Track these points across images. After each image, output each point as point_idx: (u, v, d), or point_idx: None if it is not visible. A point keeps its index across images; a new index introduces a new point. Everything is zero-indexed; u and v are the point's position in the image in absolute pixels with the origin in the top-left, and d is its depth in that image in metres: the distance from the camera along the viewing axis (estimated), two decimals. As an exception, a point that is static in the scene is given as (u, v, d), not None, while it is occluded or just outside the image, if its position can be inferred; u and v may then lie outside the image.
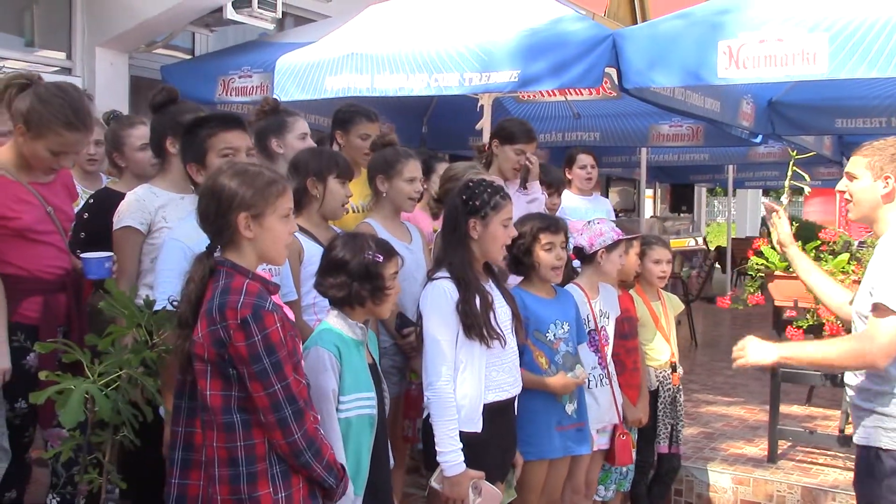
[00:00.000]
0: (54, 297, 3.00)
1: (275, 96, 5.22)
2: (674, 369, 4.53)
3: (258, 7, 7.06)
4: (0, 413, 2.87)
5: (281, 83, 5.90)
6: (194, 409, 2.39)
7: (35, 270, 2.99)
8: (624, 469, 4.27)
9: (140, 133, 3.70)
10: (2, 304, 2.87)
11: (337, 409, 2.74)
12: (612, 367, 4.03)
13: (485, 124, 6.16)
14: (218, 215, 2.37)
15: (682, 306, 4.94)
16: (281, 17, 7.40)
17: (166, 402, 2.63)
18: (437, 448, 3.10)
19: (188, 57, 8.17)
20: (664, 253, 4.57)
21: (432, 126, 9.23)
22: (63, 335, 3.01)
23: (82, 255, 3.11)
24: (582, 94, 7.73)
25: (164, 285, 2.76)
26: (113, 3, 7.10)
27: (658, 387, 4.49)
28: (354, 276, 2.80)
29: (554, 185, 4.96)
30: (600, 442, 4.00)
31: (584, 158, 5.81)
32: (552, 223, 3.71)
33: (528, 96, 8.29)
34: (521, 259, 3.67)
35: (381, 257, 2.84)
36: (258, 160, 3.40)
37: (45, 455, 2.95)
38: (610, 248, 3.93)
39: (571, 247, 3.95)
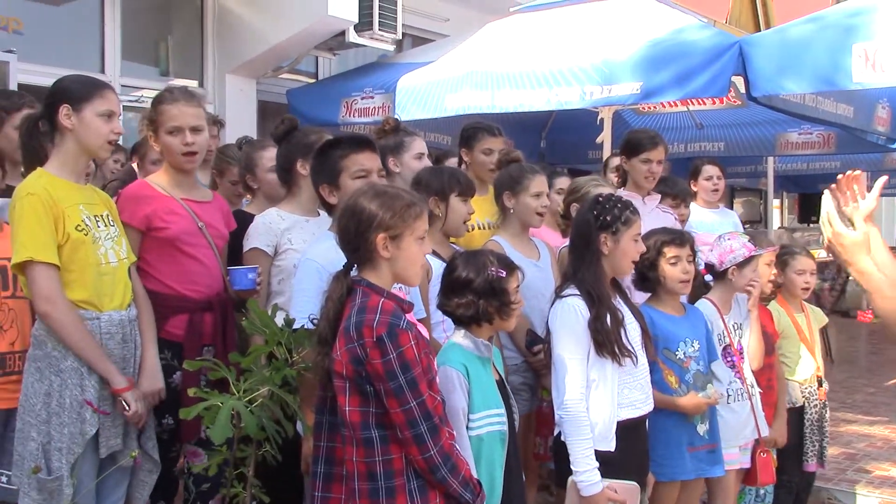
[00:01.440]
0: (200, 315, 3.12)
1: (396, 116, 5.32)
2: (819, 384, 4.35)
3: (379, 30, 7.23)
4: (150, 426, 3.01)
5: (402, 103, 6.02)
6: (335, 424, 2.45)
7: (181, 289, 3.13)
8: (762, 490, 4.11)
9: (271, 154, 3.84)
10: (151, 324, 3.01)
11: (468, 427, 2.75)
12: (751, 379, 3.89)
13: (605, 137, 6.11)
14: (357, 235, 2.42)
15: (825, 319, 4.73)
16: (400, 38, 7.55)
17: (306, 418, 2.70)
18: (572, 467, 3.06)
19: (312, 80, 8.43)
20: (808, 263, 4.40)
21: (551, 140, 9.21)
22: (209, 354, 3.14)
23: (229, 268, 3.26)
24: (705, 103, 7.58)
25: (301, 304, 2.84)
26: (242, 31, 7.40)
27: (804, 402, 4.31)
28: (480, 293, 2.80)
29: (680, 197, 4.86)
30: (742, 460, 3.87)
31: (710, 169, 5.67)
32: (677, 236, 3.63)
33: (649, 108, 8.17)
34: (646, 274, 3.61)
35: (504, 272, 2.84)
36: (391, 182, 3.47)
37: (194, 469, 3.07)
38: (742, 264, 3.82)
39: (701, 263, 3.85)
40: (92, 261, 2.80)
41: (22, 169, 3.01)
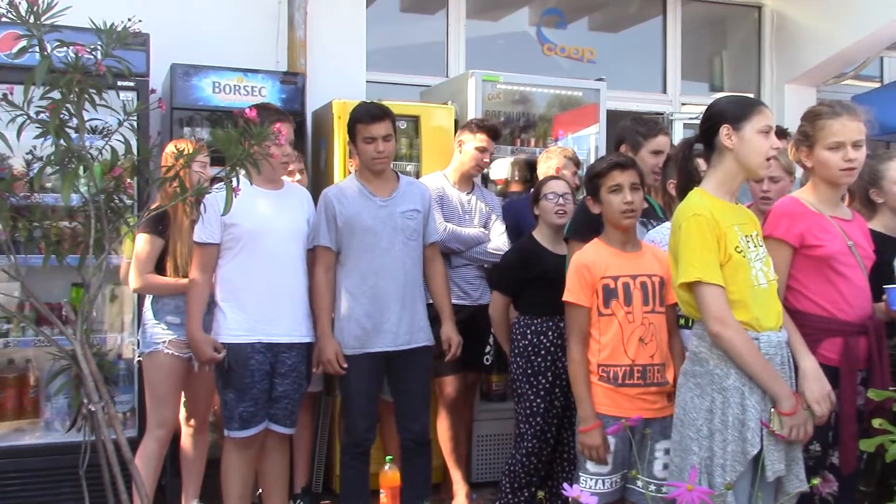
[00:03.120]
0: (854, 339, 2.96)
1: None
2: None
3: (969, 20, 6.38)
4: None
5: None
6: None
7: (834, 311, 2.99)
8: None
9: None
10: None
11: None
12: None
13: None
14: None
15: None
16: None
17: None
18: None
19: (876, 85, 7.78)
20: None
21: None
22: (862, 381, 2.96)
23: (886, 287, 3.05)
24: None
25: None
26: (804, 39, 7.09)
27: None
28: None
29: None
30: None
31: None
32: None
33: None
34: None
35: None
36: None
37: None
38: None
39: None
40: (748, 282, 2.79)
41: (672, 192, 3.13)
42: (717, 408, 2.76)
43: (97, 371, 2.77)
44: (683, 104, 7.16)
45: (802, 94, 7.28)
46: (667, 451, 3.14)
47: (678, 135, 6.75)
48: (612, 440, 3.10)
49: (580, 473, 3.17)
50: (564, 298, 3.19)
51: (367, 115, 3.80)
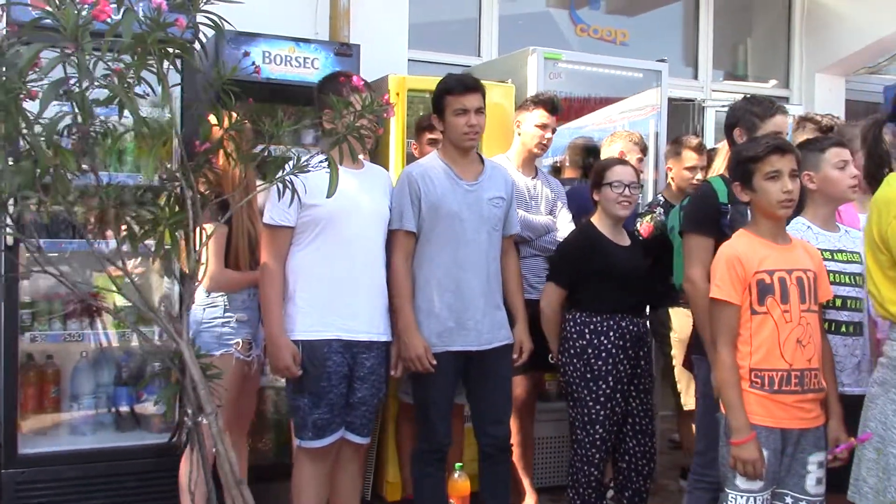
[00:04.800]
0: None
1: None
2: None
3: None
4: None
5: None
6: None
7: None
8: None
9: None
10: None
11: None
12: None
13: None
14: None
15: None
16: None
17: None
18: None
19: (899, 76, 7.66)
20: None
21: None
22: None
23: None
24: None
25: None
26: (837, 27, 6.90)
27: None
28: None
29: None
30: None
31: None
32: None
33: None
34: None
35: None
36: None
37: None
38: None
39: None
40: None
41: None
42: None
43: (203, 378, 2.37)
44: (714, 91, 6.91)
45: (832, 84, 7.11)
46: (820, 465, 2.86)
47: (709, 122, 6.52)
48: (766, 453, 2.79)
49: (728, 491, 2.85)
50: (713, 295, 2.85)
51: (459, 84, 3.44)
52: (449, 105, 3.46)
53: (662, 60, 5.12)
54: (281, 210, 3.23)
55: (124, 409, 4.09)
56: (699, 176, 4.56)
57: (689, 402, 4.42)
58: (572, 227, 4.25)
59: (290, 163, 2.62)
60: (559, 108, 4.32)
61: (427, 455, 3.54)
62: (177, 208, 2.43)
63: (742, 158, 2.90)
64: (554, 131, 4.28)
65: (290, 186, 2.59)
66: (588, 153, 4.96)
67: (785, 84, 7.20)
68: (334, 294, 3.30)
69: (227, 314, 3.45)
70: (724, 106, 6.55)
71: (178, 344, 2.33)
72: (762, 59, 7.35)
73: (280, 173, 2.56)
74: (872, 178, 2.60)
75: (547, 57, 4.70)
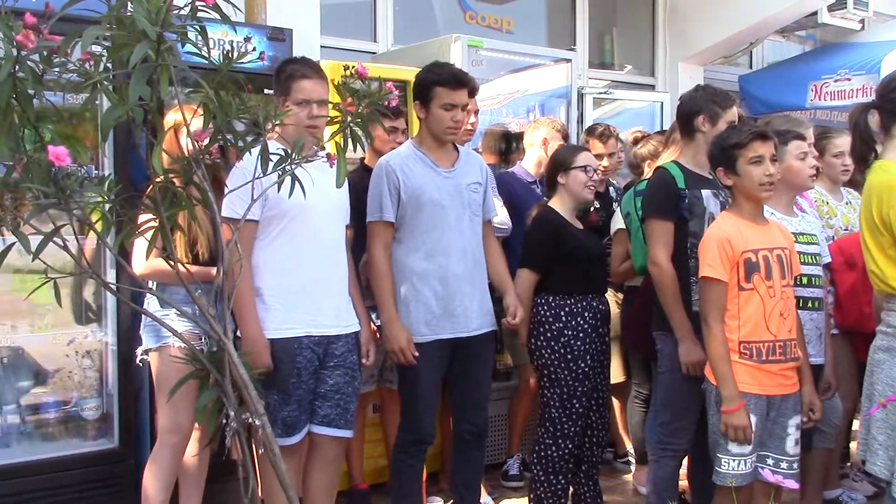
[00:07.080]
0: None
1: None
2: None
3: (853, 8, 6.94)
4: None
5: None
6: None
7: None
8: None
9: None
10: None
11: None
12: None
13: None
14: None
15: None
16: (871, 15, 7.23)
17: None
18: None
19: (754, 66, 8.28)
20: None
21: None
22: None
23: None
24: None
25: None
26: (698, 22, 7.36)
27: None
28: None
29: None
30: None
31: None
32: None
33: None
34: None
35: None
36: None
37: None
38: None
39: None
40: None
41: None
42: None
43: (250, 377, 2.26)
44: (589, 79, 7.19)
45: (692, 73, 7.58)
46: (797, 427, 3.12)
47: (588, 109, 6.78)
48: (753, 419, 3.01)
49: (720, 455, 3.04)
50: (704, 274, 3.03)
51: (453, 79, 3.41)
52: (438, 97, 3.42)
53: (572, 49, 5.30)
54: (243, 202, 3.05)
55: (53, 416, 3.81)
56: (605, 163, 4.72)
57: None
58: (505, 211, 4.32)
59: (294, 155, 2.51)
60: (476, 90, 3.73)
61: (409, 447, 3.53)
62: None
63: (727, 145, 3.09)
64: (469, 112, 3.94)
65: (295, 178, 2.48)
66: (504, 139, 5.06)
67: (650, 72, 7.60)
68: (302, 290, 3.22)
69: (164, 307, 3.25)
70: (600, 93, 6.87)
71: (223, 342, 2.21)
72: (628, 48, 7.72)
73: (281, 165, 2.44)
74: (861, 159, 2.84)
75: (470, 44, 4.75)
